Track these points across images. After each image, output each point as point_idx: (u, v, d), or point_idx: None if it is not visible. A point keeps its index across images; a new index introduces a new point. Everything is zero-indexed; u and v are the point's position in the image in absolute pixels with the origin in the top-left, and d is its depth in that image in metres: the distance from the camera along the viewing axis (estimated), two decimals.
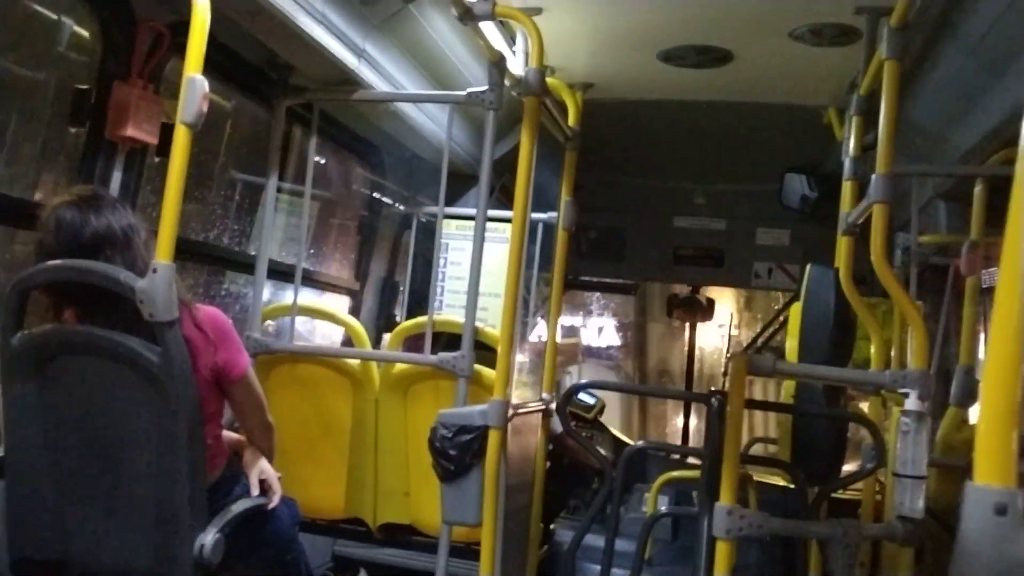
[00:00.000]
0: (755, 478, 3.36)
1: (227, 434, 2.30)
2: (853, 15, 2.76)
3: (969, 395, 2.85)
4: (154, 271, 1.90)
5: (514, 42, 3.05)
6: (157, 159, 2.46)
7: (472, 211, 3.55)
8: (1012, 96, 2.60)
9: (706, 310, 5.29)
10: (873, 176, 2.26)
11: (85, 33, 2.46)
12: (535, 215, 3.46)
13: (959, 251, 3.11)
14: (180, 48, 2.13)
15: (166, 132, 2.33)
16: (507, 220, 3.34)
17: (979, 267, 2.92)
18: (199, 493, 1.99)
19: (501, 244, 3.51)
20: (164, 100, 2.40)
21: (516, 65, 2.91)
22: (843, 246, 2.72)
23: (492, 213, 2.87)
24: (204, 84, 1.96)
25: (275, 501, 2.24)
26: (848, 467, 3.23)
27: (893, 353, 2.97)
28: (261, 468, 2.27)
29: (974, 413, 2.95)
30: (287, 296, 3.17)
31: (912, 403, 2.09)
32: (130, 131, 2.29)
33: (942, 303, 3.55)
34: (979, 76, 2.75)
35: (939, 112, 3.13)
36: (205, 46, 1.98)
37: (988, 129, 2.85)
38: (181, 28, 2.19)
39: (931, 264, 3.54)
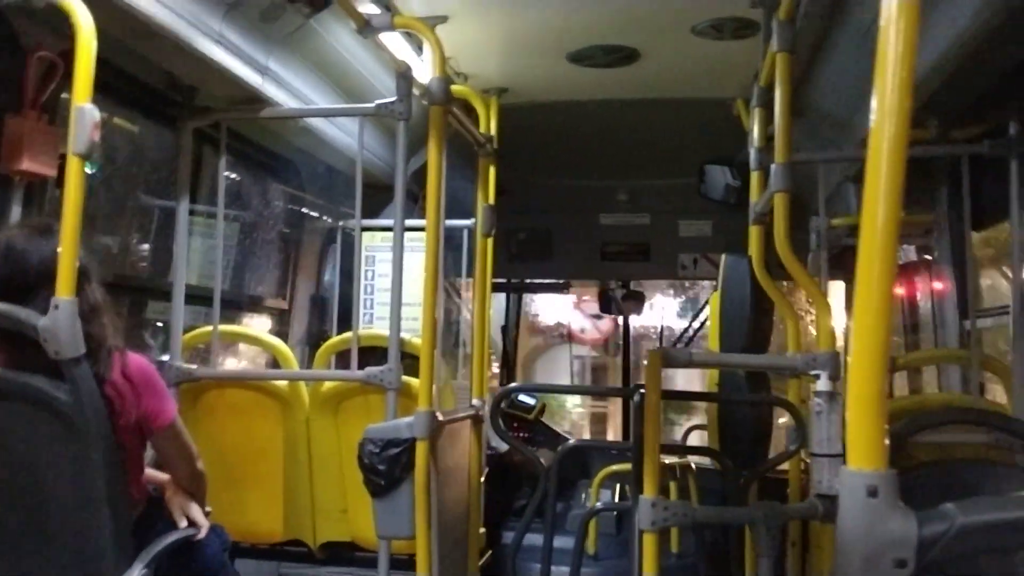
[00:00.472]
0: (695, 466, 3.43)
1: (149, 472, 2.26)
2: (750, 8, 2.83)
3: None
4: (55, 307, 1.85)
5: (421, 51, 3.05)
6: (58, 190, 2.40)
7: (389, 221, 3.55)
8: None
9: (638, 303, 5.37)
10: (772, 166, 2.32)
11: None
12: (459, 222, 3.47)
13: None
14: (72, 77, 2.08)
15: (65, 162, 2.26)
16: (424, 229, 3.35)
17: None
18: (122, 528, 1.95)
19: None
20: (63, 130, 2.34)
21: (425, 74, 2.91)
22: (754, 235, 2.79)
23: (411, 223, 2.86)
24: (95, 113, 1.92)
25: (203, 533, 2.21)
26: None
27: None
28: (182, 502, 2.23)
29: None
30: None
31: (823, 384, 2.16)
32: (25, 164, 2.22)
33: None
34: (873, 62, 2.84)
35: (840, 98, 3.22)
36: (94, 73, 1.93)
37: None
38: (74, 55, 2.14)
39: (847, 246, 3.66)
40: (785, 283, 3.47)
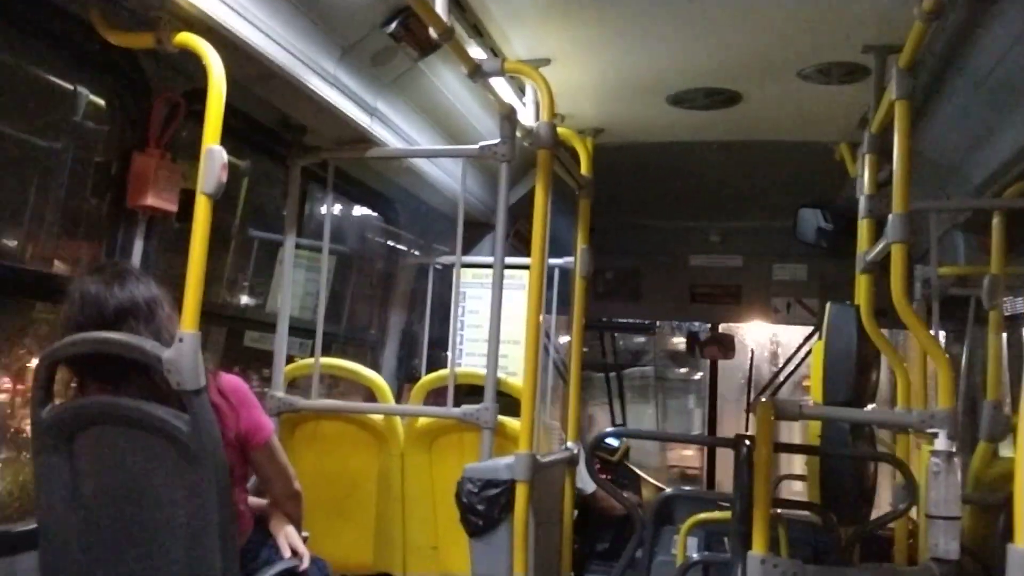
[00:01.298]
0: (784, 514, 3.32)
1: (253, 500, 2.31)
2: (861, 53, 2.78)
3: (999, 429, 2.81)
4: (180, 340, 1.92)
5: (523, 92, 3.09)
6: (177, 224, 2.50)
7: (487, 259, 3.58)
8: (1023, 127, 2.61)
9: (727, 347, 5.27)
10: (890, 216, 2.26)
11: (100, 102, 2.51)
12: (551, 260, 3.47)
13: (978, 282, 3.10)
14: (195, 114, 2.18)
15: (185, 198, 2.36)
16: (523, 267, 3.36)
17: (1000, 298, 2.90)
18: (231, 559, 1.98)
19: (518, 291, 3.51)
20: (183, 166, 2.44)
21: (527, 116, 2.94)
22: (863, 284, 2.72)
23: (508, 260, 2.88)
24: (223, 155, 1.99)
25: (305, 563, 2.24)
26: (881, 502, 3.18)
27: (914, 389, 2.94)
28: (287, 531, 2.27)
29: (1005, 447, 2.92)
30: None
31: (942, 443, 2.07)
32: (150, 200, 2.33)
33: (963, 334, 3.53)
34: (989, 110, 2.76)
35: (951, 145, 3.14)
36: (222, 117, 2.01)
37: (1001, 161, 2.85)
38: (196, 95, 2.24)
39: (950, 295, 3.53)
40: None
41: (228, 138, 2.04)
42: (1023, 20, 2.20)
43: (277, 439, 2.26)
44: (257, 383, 3.44)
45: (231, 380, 2.15)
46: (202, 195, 1.97)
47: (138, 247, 2.38)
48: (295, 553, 2.24)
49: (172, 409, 1.94)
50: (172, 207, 2.39)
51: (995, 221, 2.87)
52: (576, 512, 3.20)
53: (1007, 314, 3.26)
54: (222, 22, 2.05)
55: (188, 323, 1.93)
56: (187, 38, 2.03)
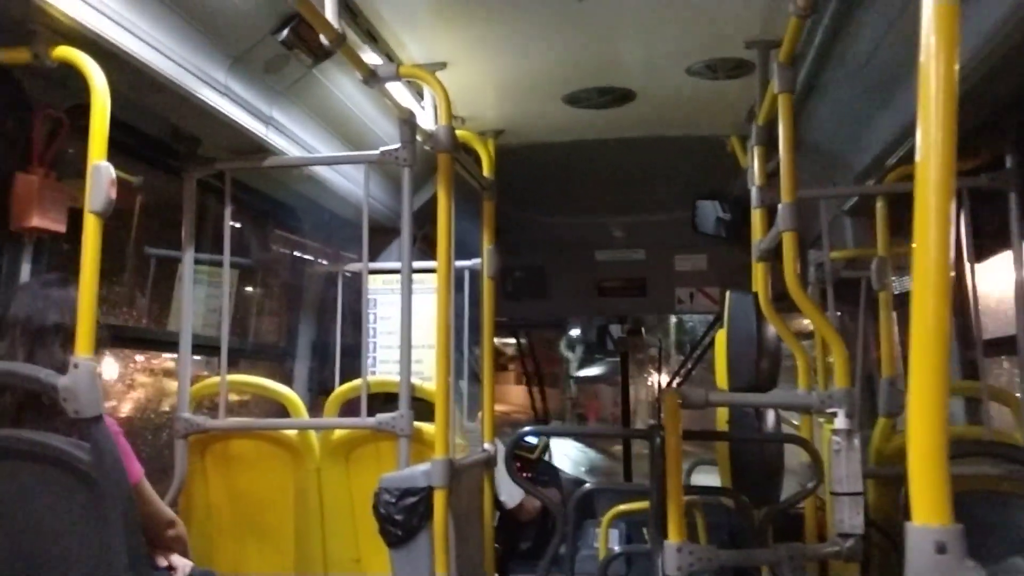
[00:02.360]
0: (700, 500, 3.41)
1: None
2: (745, 49, 2.88)
3: (896, 405, 2.96)
4: (75, 366, 1.84)
5: (422, 96, 3.08)
6: (67, 246, 2.38)
7: (395, 264, 3.54)
8: (901, 115, 2.75)
9: (636, 339, 5.38)
10: (780, 206, 2.35)
11: None
12: (459, 263, 3.47)
13: (867, 264, 3.26)
14: (79, 131, 2.09)
15: (73, 218, 2.26)
16: (432, 271, 3.35)
17: (889, 279, 3.05)
18: None
19: (429, 295, 3.49)
20: (69, 185, 2.33)
21: (426, 120, 2.93)
22: (759, 272, 2.82)
23: (416, 265, 2.87)
24: (111, 171, 1.92)
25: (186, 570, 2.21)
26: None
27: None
28: (168, 557, 2.22)
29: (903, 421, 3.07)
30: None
31: (841, 422, 2.17)
32: (35, 221, 2.21)
33: (856, 315, 3.70)
34: (867, 99, 2.90)
35: (834, 135, 3.28)
36: (107, 132, 1.93)
37: (881, 147, 3.00)
38: (79, 111, 2.14)
39: (842, 278, 3.69)
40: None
41: (117, 153, 1.97)
42: (895, 10, 2.31)
43: (148, 486, 2.18)
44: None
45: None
46: (91, 214, 1.89)
47: (25, 271, 2.26)
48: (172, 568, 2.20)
49: (70, 439, 1.87)
50: (60, 228, 2.28)
51: (878, 206, 3.02)
52: (497, 513, 3.21)
53: (896, 292, 3.43)
54: (103, 34, 1.97)
55: (83, 348, 1.85)
56: (66, 52, 1.95)
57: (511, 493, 3.65)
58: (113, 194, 1.92)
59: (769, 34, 2.72)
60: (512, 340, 5.94)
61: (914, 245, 0.98)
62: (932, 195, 0.96)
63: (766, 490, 2.71)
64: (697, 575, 1.98)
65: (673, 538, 1.93)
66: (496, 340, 3.94)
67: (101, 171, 1.90)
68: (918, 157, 0.97)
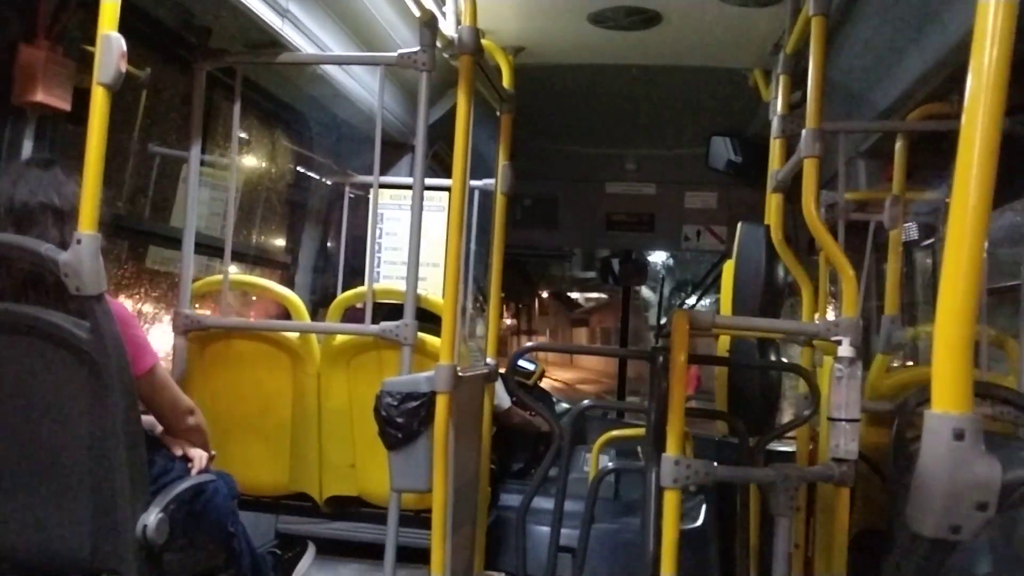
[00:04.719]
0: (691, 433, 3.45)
1: (145, 418, 2.23)
2: None
3: (895, 343, 2.96)
4: (78, 242, 1.81)
5: (443, 3, 2.99)
6: (70, 127, 2.33)
7: (405, 180, 3.50)
8: (929, 54, 2.69)
9: (642, 272, 5.38)
10: (803, 131, 2.31)
11: None
12: (471, 182, 3.43)
13: (878, 207, 3.22)
14: (89, 9, 2.02)
15: (78, 98, 2.20)
16: (443, 188, 3.31)
17: (901, 221, 3.03)
18: (139, 472, 1.92)
19: (438, 212, 3.47)
20: (77, 64, 2.27)
21: (447, 27, 2.85)
22: (773, 203, 2.79)
23: (428, 181, 2.83)
24: (121, 42, 1.86)
25: (202, 464, 2.21)
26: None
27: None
28: (189, 451, 2.21)
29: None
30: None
31: (845, 350, 2.16)
32: (40, 96, 2.15)
33: (863, 258, 3.68)
34: (897, 35, 2.83)
35: (857, 71, 3.21)
36: (119, 2, 1.87)
37: (907, 86, 2.94)
38: None
39: (852, 221, 3.67)
40: None
41: (124, 39, 1.90)
42: None
43: (164, 372, 2.17)
44: (165, 309, 3.31)
45: (113, 304, 2.05)
46: (99, 85, 1.84)
47: (27, 148, 2.21)
48: (187, 458, 2.20)
49: (71, 316, 1.85)
50: (64, 105, 2.22)
51: (898, 145, 2.98)
52: (493, 430, 3.23)
53: (905, 239, 3.41)
54: None
55: (86, 224, 1.82)
56: None
57: (502, 398, 3.69)
58: (123, 67, 1.87)
59: None
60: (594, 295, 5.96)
61: (957, 170, 1.02)
62: (978, 133, 0.99)
63: (762, 419, 2.72)
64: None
65: (672, 451, 1.93)
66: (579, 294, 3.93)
67: (111, 42, 1.84)
68: (969, 92, 0.99)
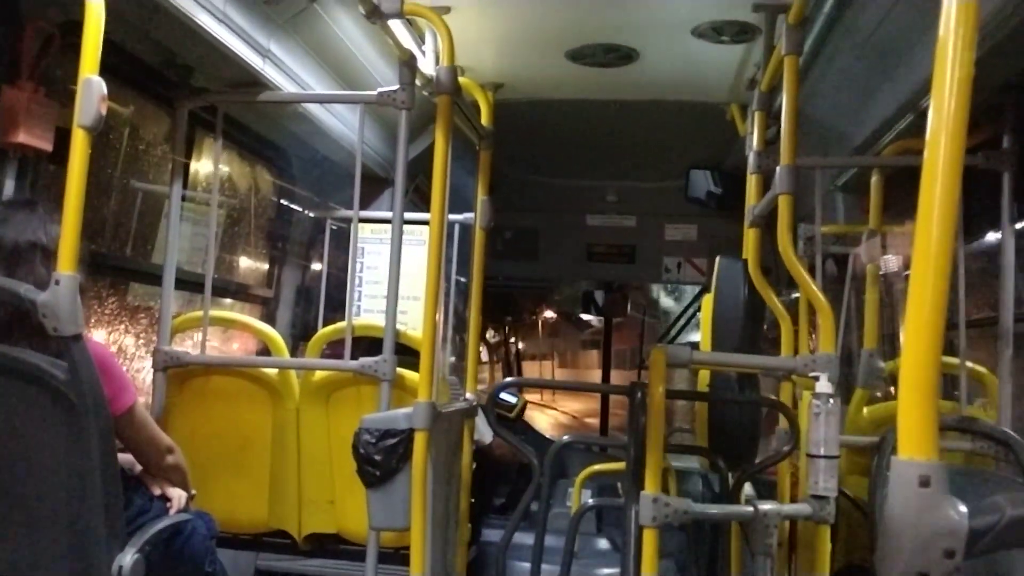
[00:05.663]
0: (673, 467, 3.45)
1: (121, 456, 2.21)
2: (752, 12, 2.85)
3: (874, 377, 2.98)
4: (56, 282, 1.81)
5: (423, 41, 3.03)
6: (52, 167, 2.34)
7: (386, 214, 3.51)
8: (903, 89, 2.74)
9: (622, 306, 5.40)
10: (778, 168, 2.34)
11: None
12: (451, 216, 3.44)
13: (856, 240, 3.26)
14: (71, 49, 2.03)
15: (60, 138, 2.21)
16: (423, 223, 3.32)
17: (878, 254, 3.06)
18: (116, 512, 1.90)
19: (418, 247, 3.48)
20: (59, 104, 2.28)
21: (426, 65, 2.89)
22: (750, 238, 2.82)
23: (407, 216, 2.84)
24: (102, 85, 1.87)
25: (181, 503, 2.21)
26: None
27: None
28: (168, 490, 2.20)
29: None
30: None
31: (823, 386, 2.18)
32: (22, 137, 2.16)
33: (841, 291, 3.72)
34: (871, 70, 2.89)
35: (833, 106, 3.27)
36: (100, 46, 1.89)
37: (880, 122, 2.99)
38: (72, 28, 2.09)
39: (830, 254, 3.71)
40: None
41: (107, 79, 1.92)
42: None
43: (143, 411, 2.17)
44: (145, 344, 3.29)
45: (92, 344, 2.04)
46: (79, 128, 1.85)
47: (9, 188, 2.21)
48: (166, 498, 2.19)
49: (48, 357, 1.84)
50: (47, 146, 2.23)
51: (874, 180, 3.02)
52: (474, 466, 3.22)
53: (882, 272, 3.44)
54: None
55: (65, 264, 1.82)
56: None
57: (484, 432, 3.67)
58: (103, 110, 1.88)
59: None
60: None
61: (919, 206, 1.01)
62: (940, 169, 1.00)
63: (742, 454, 2.73)
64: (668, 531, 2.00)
65: (650, 489, 1.94)
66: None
67: (92, 85, 1.85)
68: (929, 129, 1.00)
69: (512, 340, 7.58)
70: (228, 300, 3.66)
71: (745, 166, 2.99)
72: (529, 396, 4.41)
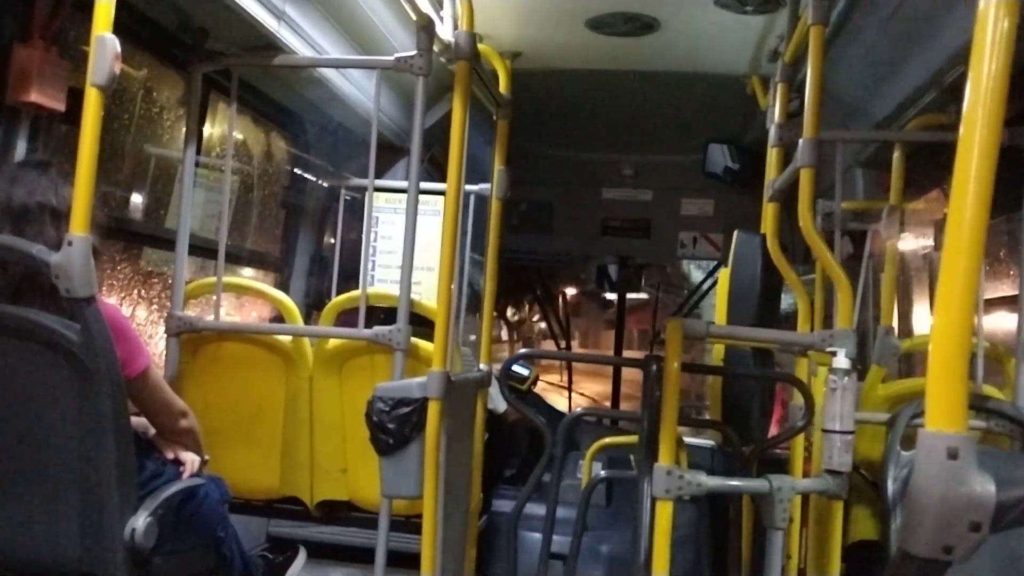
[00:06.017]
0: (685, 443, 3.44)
1: (138, 420, 2.21)
2: None
3: (889, 354, 2.96)
4: (69, 244, 1.80)
5: (441, 7, 2.98)
6: (64, 127, 2.32)
7: (401, 183, 3.49)
8: (927, 64, 2.69)
9: (636, 281, 5.37)
10: (800, 141, 2.30)
11: None
12: (467, 187, 3.41)
13: (875, 217, 3.21)
14: (83, 9, 2.01)
15: (73, 98, 2.19)
16: (438, 192, 3.30)
17: (897, 231, 3.02)
18: (128, 476, 1.91)
19: (432, 217, 3.46)
20: (71, 64, 2.26)
21: (444, 31, 2.84)
22: (769, 212, 2.78)
23: (423, 185, 2.82)
24: (115, 43, 1.85)
25: (194, 467, 2.21)
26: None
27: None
28: (182, 455, 2.20)
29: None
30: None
31: (840, 361, 2.15)
32: (34, 96, 2.13)
33: (858, 268, 3.68)
34: (895, 45, 2.83)
35: (855, 81, 3.21)
36: (114, 3, 1.86)
37: (903, 97, 2.94)
38: None
39: (847, 230, 3.66)
40: None
41: (120, 41, 1.89)
42: None
43: (157, 374, 2.16)
44: (158, 310, 3.29)
45: (106, 307, 2.03)
46: (92, 87, 1.83)
47: (21, 148, 2.20)
48: (179, 462, 2.19)
49: (61, 318, 1.84)
50: (59, 106, 2.21)
51: (895, 155, 2.97)
52: (486, 436, 3.22)
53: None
54: None
55: (78, 225, 1.80)
56: None
57: (498, 401, 3.68)
58: (117, 68, 1.86)
59: None
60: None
61: (954, 182, 0.99)
62: (976, 146, 0.97)
63: (756, 429, 2.72)
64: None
65: (664, 461, 1.92)
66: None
67: (106, 43, 1.83)
68: (967, 99, 0.97)
69: (535, 318, 7.37)
70: (244, 269, 3.66)
71: (763, 141, 2.94)
72: (548, 376, 4.40)
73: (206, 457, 2.28)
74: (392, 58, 2.61)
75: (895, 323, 3.15)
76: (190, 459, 2.21)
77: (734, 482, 2.22)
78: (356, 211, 3.63)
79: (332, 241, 3.90)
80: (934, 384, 0.95)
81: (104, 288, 3.01)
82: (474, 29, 2.58)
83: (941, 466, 0.93)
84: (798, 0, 2.73)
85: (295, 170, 3.87)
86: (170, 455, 2.20)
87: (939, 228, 3.57)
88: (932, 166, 3.40)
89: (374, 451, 2.38)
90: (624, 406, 5.76)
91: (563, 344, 5.90)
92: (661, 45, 3.38)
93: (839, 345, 2.17)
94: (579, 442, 4.14)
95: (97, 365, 1.83)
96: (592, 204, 4.92)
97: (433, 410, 2.32)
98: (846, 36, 2.95)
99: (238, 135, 3.48)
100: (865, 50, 2.98)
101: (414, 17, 2.58)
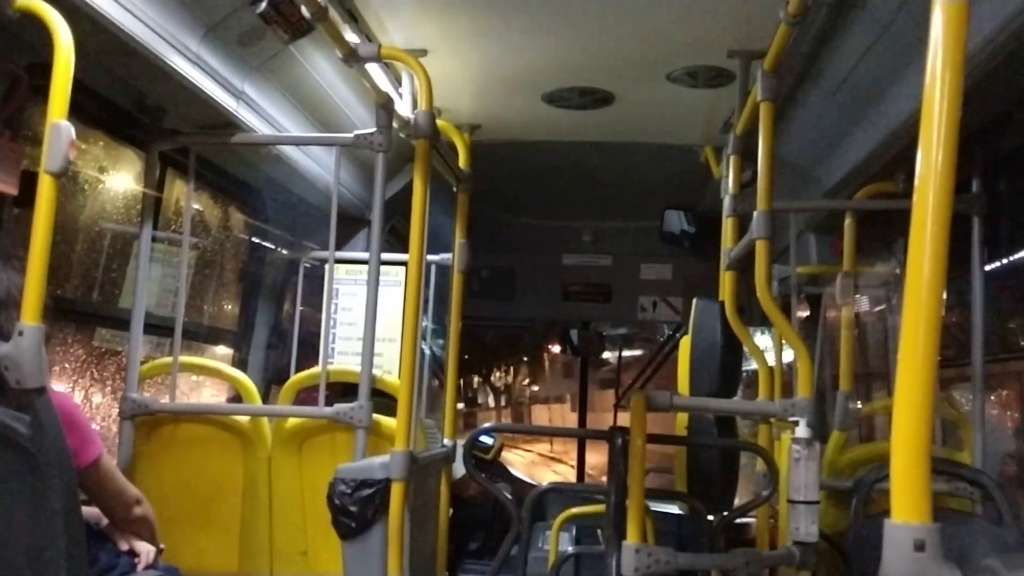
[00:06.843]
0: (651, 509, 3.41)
1: (91, 510, 2.14)
2: (726, 59, 2.89)
3: (850, 419, 2.99)
4: (20, 334, 1.74)
5: (399, 83, 3.03)
6: (16, 210, 2.28)
7: (361, 255, 3.48)
8: (875, 133, 2.78)
9: (598, 345, 5.38)
10: (755, 213, 2.35)
11: None
12: (428, 256, 3.42)
13: (829, 281, 3.28)
14: (38, 91, 1.99)
15: (26, 181, 2.16)
16: (399, 263, 3.30)
17: (852, 295, 3.08)
18: (79, 570, 1.82)
19: (394, 288, 3.44)
20: (24, 147, 2.23)
21: (403, 107, 2.88)
22: (727, 280, 2.82)
23: (384, 256, 2.81)
24: (71, 130, 1.83)
25: (149, 558, 2.13)
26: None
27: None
28: (136, 545, 2.13)
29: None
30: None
31: (802, 430, 2.17)
32: None
33: (814, 331, 3.74)
34: (841, 116, 2.93)
35: (805, 151, 3.31)
36: (70, 90, 1.85)
37: (852, 166, 3.03)
38: (39, 70, 2.05)
39: (804, 294, 3.74)
40: None
41: (76, 119, 1.87)
42: (875, 30, 2.34)
43: (109, 462, 2.11)
44: (111, 390, 3.21)
45: (57, 396, 1.98)
46: (46, 174, 1.80)
47: None
48: (133, 553, 2.12)
49: (9, 410, 1.77)
50: (11, 190, 2.18)
51: (847, 222, 3.05)
52: (451, 510, 3.16)
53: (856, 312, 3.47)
54: None
55: (29, 315, 1.75)
56: (31, 3, 1.85)
57: (455, 469, 3.60)
58: (72, 155, 1.83)
59: (752, 44, 2.73)
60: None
61: (909, 253, 0.99)
62: (930, 214, 0.98)
63: (721, 497, 2.71)
64: None
65: (632, 538, 1.90)
66: None
67: (60, 130, 1.81)
68: (918, 171, 0.99)
69: (524, 381, 7.17)
70: (199, 344, 3.59)
71: (719, 207, 3.00)
72: (540, 447, 4.32)
73: (162, 546, 2.21)
74: (352, 135, 2.63)
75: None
76: (145, 550, 2.13)
77: (704, 558, 2.20)
78: (316, 282, 3.60)
79: (292, 313, 3.85)
80: (898, 476, 0.95)
81: (55, 370, 2.93)
82: (433, 104, 2.61)
83: (909, 558, 0.92)
84: (747, 76, 2.82)
85: (254, 242, 3.84)
86: (124, 546, 2.12)
87: (891, 288, 3.65)
88: (884, 229, 3.50)
89: (335, 534, 2.31)
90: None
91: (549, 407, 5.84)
92: (616, 117, 3.46)
93: (801, 414, 2.19)
94: (546, 511, 4.08)
95: (48, 458, 1.76)
96: (553, 270, 4.96)
97: (397, 492, 2.28)
98: (796, 107, 3.06)
99: (197, 206, 3.45)
100: (814, 120, 3.09)
101: (373, 95, 2.61)
